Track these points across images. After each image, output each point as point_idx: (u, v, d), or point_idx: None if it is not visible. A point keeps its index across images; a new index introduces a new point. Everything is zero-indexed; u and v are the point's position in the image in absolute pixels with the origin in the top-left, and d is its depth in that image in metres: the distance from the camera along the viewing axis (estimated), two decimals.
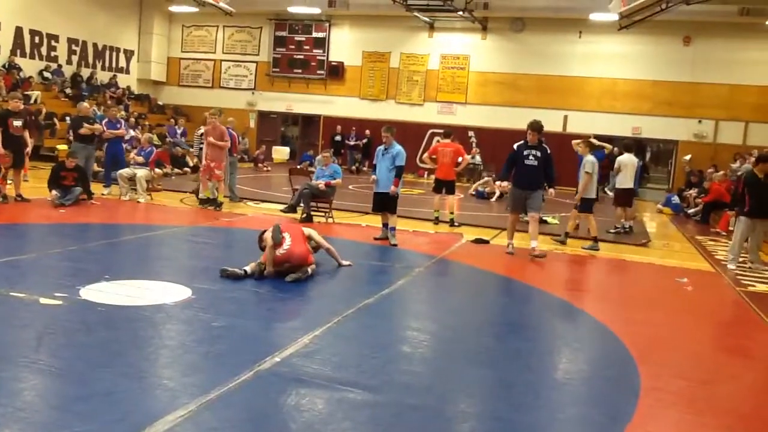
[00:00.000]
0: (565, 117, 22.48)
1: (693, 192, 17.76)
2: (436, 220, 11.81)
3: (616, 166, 12.40)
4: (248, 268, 6.79)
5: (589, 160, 10.64)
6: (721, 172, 16.92)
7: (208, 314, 5.54)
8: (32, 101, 18.94)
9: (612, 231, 12.10)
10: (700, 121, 21.62)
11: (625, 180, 12.18)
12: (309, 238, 7.48)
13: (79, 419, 3.49)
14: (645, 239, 11.99)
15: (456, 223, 11.68)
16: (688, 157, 21.29)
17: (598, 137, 14.52)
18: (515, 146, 9.49)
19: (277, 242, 6.85)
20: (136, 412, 3.61)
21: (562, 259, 9.67)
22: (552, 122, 22.07)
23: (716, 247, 11.80)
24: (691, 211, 16.75)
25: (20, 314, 5.20)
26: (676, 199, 18.11)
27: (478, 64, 23.68)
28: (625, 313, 6.82)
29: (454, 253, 9.35)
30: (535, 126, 9.35)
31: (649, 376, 4.81)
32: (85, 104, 13.43)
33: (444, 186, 11.86)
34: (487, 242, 10.25)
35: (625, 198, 12.25)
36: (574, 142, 11.90)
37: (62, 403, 3.76)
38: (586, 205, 10.74)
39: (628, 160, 12.16)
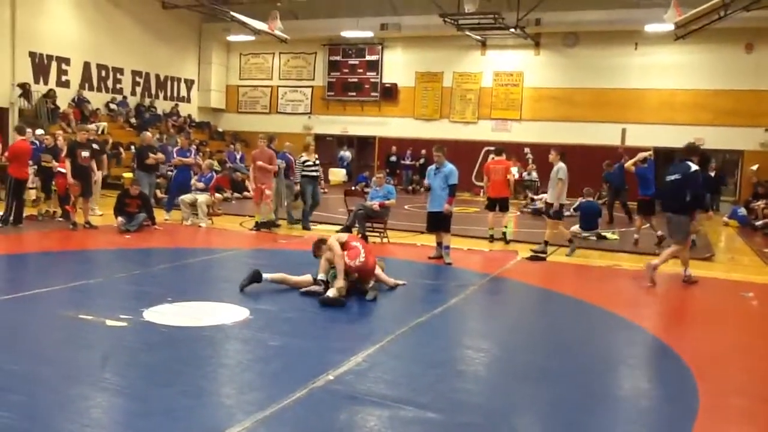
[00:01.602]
0: (623, 130, 22.08)
1: (761, 203, 17.15)
2: (491, 238, 11.78)
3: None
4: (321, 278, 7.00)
5: (561, 168, 10.59)
6: None
7: (264, 334, 5.69)
8: (99, 132, 19.79)
9: None
10: (766, 130, 20.91)
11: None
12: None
13: None
14: (708, 253, 11.65)
15: (507, 239, 11.60)
16: (755, 167, 20.59)
17: (658, 149, 14.26)
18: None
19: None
20: (195, 428, 3.75)
21: (621, 275, 9.50)
22: (610, 136, 21.81)
23: None
24: (758, 223, 16.18)
25: (87, 336, 5.46)
26: (742, 210, 17.52)
27: (532, 80, 23.56)
28: (684, 328, 6.67)
29: (509, 271, 9.30)
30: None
31: (709, 393, 4.69)
32: (149, 134, 13.99)
33: (497, 203, 11.83)
34: (543, 259, 10.16)
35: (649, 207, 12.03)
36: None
37: (125, 419, 3.94)
38: (558, 213, 10.66)
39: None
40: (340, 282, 6.83)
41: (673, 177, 8.60)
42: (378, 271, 7.52)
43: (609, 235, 12.65)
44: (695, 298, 8.47)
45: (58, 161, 11.97)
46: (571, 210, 13.52)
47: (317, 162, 12.77)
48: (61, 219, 11.66)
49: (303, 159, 12.54)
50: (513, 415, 4.34)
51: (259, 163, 11.92)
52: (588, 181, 14.60)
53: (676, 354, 5.66)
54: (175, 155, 13.49)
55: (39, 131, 14.07)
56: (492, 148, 13.83)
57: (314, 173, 12.62)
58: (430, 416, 4.09)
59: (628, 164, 12.76)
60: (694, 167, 8.51)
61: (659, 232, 11.57)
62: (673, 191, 8.55)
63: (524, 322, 6.99)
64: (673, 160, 12.87)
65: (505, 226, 11.86)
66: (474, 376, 5.06)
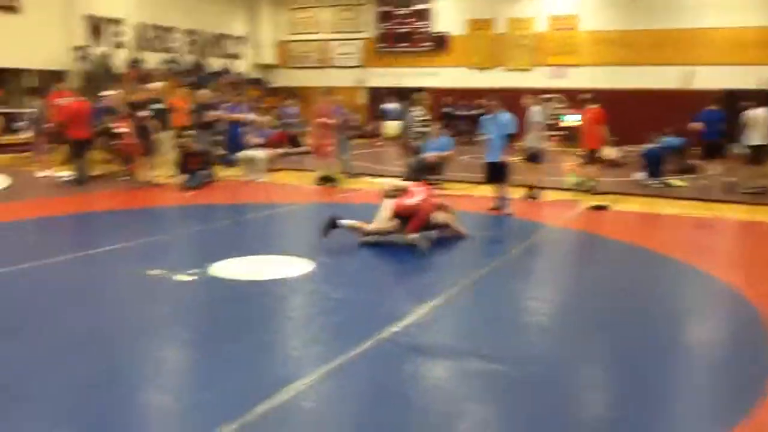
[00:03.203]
0: (690, 72, 21.16)
1: None
2: (570, 187, 11.42)
3: (744, 120, 11.62)
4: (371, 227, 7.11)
5: (537, 110, 10.57)
6: None
7: (329, 286, 5.74)
8: (156, 92, 20.06)
9: (748, 191, 11.33)
10: None
11: (754, 136, 11.41)
12: (440, 207, 7.59)
13: (211, 386, 3.73)
14: None
15: (589, 188, 11.27)
16: None
17: (727, 91, 13.61)
18: None
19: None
20: (263, 380, 3.82)
21: (688, 223, 9.19)
22: (672, 79, 20.92)
23: None
24: None
25: (157, 291, 5.60)
26: None
27: (588, 23, 22.68)
28: (761, 278, 6.41)
29: (572, 221, 9.12)
30: None
31: None
32: (204, 92, 14.08)
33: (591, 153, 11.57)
34: (605, 208, 9.91)
35: (756, 155, 11.47)
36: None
37: (195, 371, 4.05)
38: (534, 156, 10.71)
39: (759, 114, 11.39)
40: (386, 221, 7.05)
41: None
42: (445, 218, 7.60)
43: (676, 182, 12.23)
44: None
45: (117, 122, 12.19)
46: (638, 155, 13.10)
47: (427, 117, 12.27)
48: (125, 178, 11.92)
49: (415, 113, 12.04)
50: (579, 366, 4.28)
51: (320, 119, 11.87)
52: (650, 127, 14.08)
53: (750, 304, 5.46)
54: (227, 112, 13.55)
55: (103, 93, 14.30)
56: (587, 96, 13.35)
57: (427, 128, 12.17)
58: (495, 368, 4.07)
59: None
60: None
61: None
62: None
63: (588, 271, 6.85)
64: (744, 101, 12.33)
65: (590, 179, 11.45)
66: (539, 327, 5.00)
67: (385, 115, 25.68)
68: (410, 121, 12.04)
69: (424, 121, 12.05)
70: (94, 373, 3.87)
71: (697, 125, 12.40)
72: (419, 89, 24.41)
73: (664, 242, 7.91)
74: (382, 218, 7.18)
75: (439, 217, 7.54)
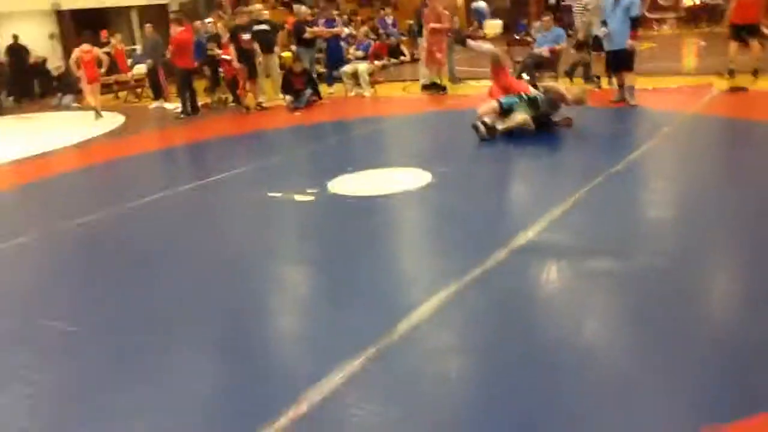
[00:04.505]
0: None
1: None
2: (731, 72, 9.86)
3: None
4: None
5: None
6: None
7: (450, 196, 5.50)
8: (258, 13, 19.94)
9: None
10: None
11: None
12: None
13: (342, 306, 3.62)
14: None
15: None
16: None
17: None
18: None
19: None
20: (397, 297, 3.67)
21: None
22: None
23: None
24: None
25: (279, 212, 5.56)
26: None
27: None
28: None
29: (707, 106, 8.31)
30: None
31: None
32: (303, 8, 13.76)
33: (745, 30, 9.74)
34: (745, 90, 8.96)
35: None
36: None
37: (323, 291, 3.95)
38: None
39: None
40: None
41: None
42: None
43: None
44: None
45: (221, 48, 12.17)
46: None
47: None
48: (233, 104, 12.00)
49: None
50: (719, 261, 3.86)
51: (431, 25, 11.28)
52: None
53: None
54: (325, 28, 13.19)
55: (204, 21, 14.26)
56: None
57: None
58: (632, 267, 3.77)
59: None
60: None
61: None
62: None
63: (729, 161, 6.19)
64: None
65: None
66: (676, 224, 4.56)
67: (476, 15, 24.41)
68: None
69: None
70: (237, 299, 3.84)
71: None
72: None
73: None
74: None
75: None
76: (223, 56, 11.72)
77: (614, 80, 9.07)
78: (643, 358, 2.86)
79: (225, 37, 11.89)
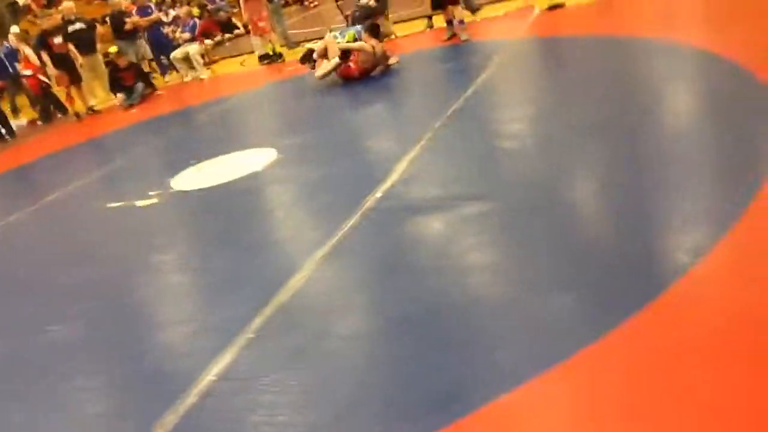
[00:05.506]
0: None
1: None
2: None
3: None
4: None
5: None
6: None
7: (299, 168, 5.37)
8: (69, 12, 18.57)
9: None
10: None
11: None
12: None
13: (213, 303, 3.47)
14: None
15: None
16: None
17: None
18: None
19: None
20: (266, 277, 3.54)
21: None
22: None
23: None
24: None
25: (123, 222, 5.19)
26: None
27: None
28: (733, 30, 5.96)
29: (531, 28, 8.57)
30: None
31: None
32: None
33: None
34: (562, 5, 9.30)
35: None
36: None
37: (181, 293, 3.78)
38: None
39: None
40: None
41: None
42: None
43: None
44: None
45: (19, 63, 11.21)
46: None
47: None
48: (60, 115, 11.16)
49: None
50: (578, 174, 3.99)
51: None
52: None
53: (738, 66, 5.04)
54: (141, 16, 12.40)
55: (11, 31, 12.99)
56: None
57: None
58: (494, 206, 3.77)
59: None
60: None
61: None
62: None
63: (566, 77, 6.36)
64: None
65: None
66: (528, 152, 4.65)
67: None
68: None
69: None
70: (88, 325, 3.55)
71: None
72: None
73: (628, 24, 7.42)
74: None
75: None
76: (24, 71, 10.84)
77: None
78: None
79: (22, 50, 10.99)
